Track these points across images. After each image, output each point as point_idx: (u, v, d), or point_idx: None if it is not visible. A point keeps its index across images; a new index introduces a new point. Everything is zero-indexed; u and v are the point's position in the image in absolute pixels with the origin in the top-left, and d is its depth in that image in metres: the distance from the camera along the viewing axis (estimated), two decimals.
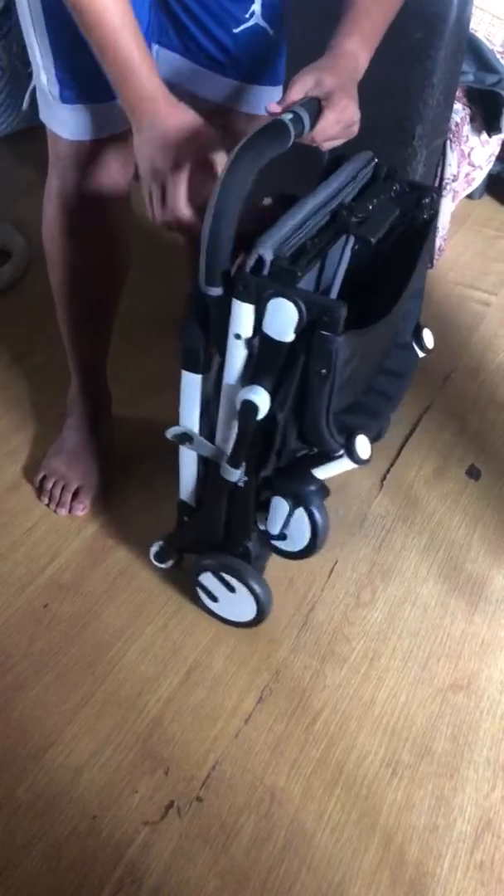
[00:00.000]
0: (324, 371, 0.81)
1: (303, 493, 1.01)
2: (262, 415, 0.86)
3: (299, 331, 0.80)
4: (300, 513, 1.04)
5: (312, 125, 0.86)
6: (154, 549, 1.17)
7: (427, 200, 0.98)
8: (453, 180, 1.87)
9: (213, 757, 1.03)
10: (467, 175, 1.95)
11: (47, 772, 1.00)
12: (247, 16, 1.04)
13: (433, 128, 1.65)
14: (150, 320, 1.67)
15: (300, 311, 0.79)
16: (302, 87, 0.88)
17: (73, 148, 1.06)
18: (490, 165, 2.10)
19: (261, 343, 0.84)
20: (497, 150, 2.05)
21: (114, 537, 1.28)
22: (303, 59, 0.91)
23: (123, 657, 1.12)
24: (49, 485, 1.32)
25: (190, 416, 0.96)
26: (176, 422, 1.00)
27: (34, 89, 1.07)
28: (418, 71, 1.54)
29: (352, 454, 0.89)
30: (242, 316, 0.83)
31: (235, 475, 0.97)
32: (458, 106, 1.79)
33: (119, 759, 1.02)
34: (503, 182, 2.32)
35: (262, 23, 1.05)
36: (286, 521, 1.03)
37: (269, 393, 0.86)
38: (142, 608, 1.18)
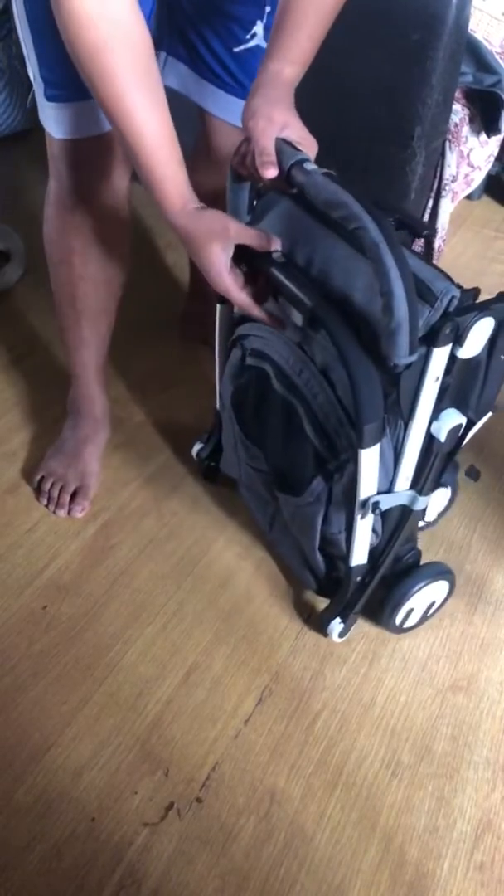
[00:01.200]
0: (503, 357, 0.89)
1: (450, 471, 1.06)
2: (462, 430, 0.93)
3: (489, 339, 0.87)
4: (442, 490, 1.15)
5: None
6: (338, 629, 1.12)
7: (420, 246, 1.05)
8: (452, 181, 1.87)
9: (212, 758, 1.03)
10: (466, 176, 1.95)
11: (47, 773, 1.00)
12: (248, 37, 1.05)
13: (432, 128, 1.65)
14: (150, 320, 1.67)
15: (496, 322, 0.85)
16: (272, 132, 0.86)
17: (64, 147, 1.05)
18: (489, 166, 2.09)
19: (458, 369, 0.89)
20: (496, 150, 2.05)
21: (113, 538, 1.28)
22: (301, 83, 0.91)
23: (123, 658, 1.12)
24: (48, 486, 1.32)
25: (372, 485, 0.95)
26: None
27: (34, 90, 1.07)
28: (417, 72, 1.54)
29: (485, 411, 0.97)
30: (442, 359, 0.86)
31: (426, 501, 1.00)
32: (457, 107, 1.79)
33: (118, 760, 1.01)
34: (502, 183, 2.31)
35: (264, 44, 1.05)
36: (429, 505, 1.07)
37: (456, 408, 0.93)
38: (141, 609, 1.18)
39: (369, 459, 0.90)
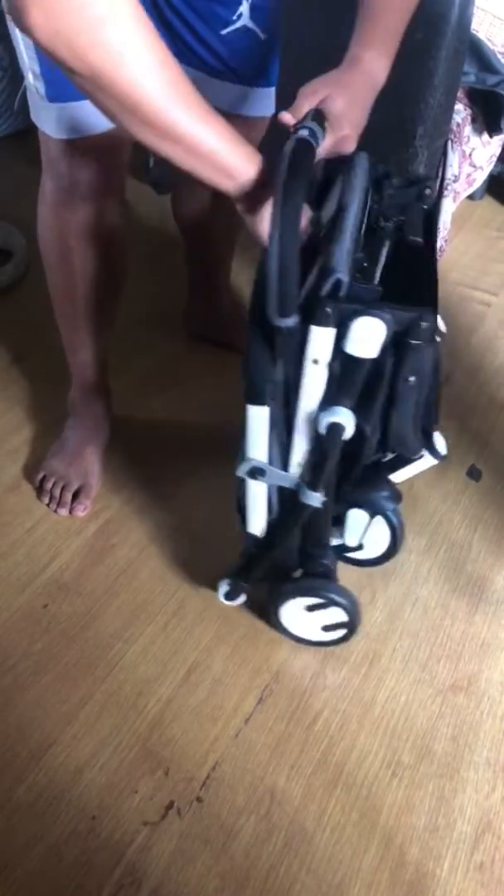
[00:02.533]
0: (412, 379, 0.82)
1: (380, 500, 1.02)
2: (348, 434, 0.86)
3: (385, 345, 0.81)
4: (378, 520, 1.04)
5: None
6: (223, 588, 1.12)
7: (428, 191, 0.96)
8: (454, 181, 1.87)
9: (213, 757, 1.03)
10: (468, 176, 1.95)
11: (47, 772, 1.00)
12: (234, 17, 1.04)
13: (434, 128, 1.64)
14: (150, 320, 1.67)
15: (388, 327, 0.79)
16: (312, 100, 0.86)
17: (64, 147, 1.05)
18: (491, 166, 2.09)
19: (342, 364, 0.83)
20: (498, 150, 2.05)
21: (114, 537, 1.28)
22: (297, 61, 0.90)
23: (123, 657, 1.12)
24: (49, 485, 1.32)
25: (260, 449, 0.94)
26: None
27: (25, 90, 1.07)
28: (420, 71, 1.54)
29: (434, 451, 0.91)
30: (322, 341, 0.82)
31: (318, 498, 0.95)
32: (459, 106, 1.79)
33: (119, 759, 1.01)
34: None
35: (251, 24, 1.05)
36: (364, 531, 1.04)
37: (352, 411, 0.86)
38: (142, 608, 1.18)
39: (253, 419, 0.90)
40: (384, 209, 0.91)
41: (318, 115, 0.85)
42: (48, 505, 1.31)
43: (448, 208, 1.93)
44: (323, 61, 0.94)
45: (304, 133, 0.81)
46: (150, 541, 1.28)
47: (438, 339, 0.83)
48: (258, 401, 0.89)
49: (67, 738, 1.03)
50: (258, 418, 0.90)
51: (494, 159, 2.07)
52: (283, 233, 0.75)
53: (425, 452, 0.92)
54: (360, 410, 0.86)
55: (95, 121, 1.02)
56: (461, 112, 1.83)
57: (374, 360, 0.82)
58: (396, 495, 1.08)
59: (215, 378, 1.59)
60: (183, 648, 1.14)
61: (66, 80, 0.98)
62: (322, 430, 0.87)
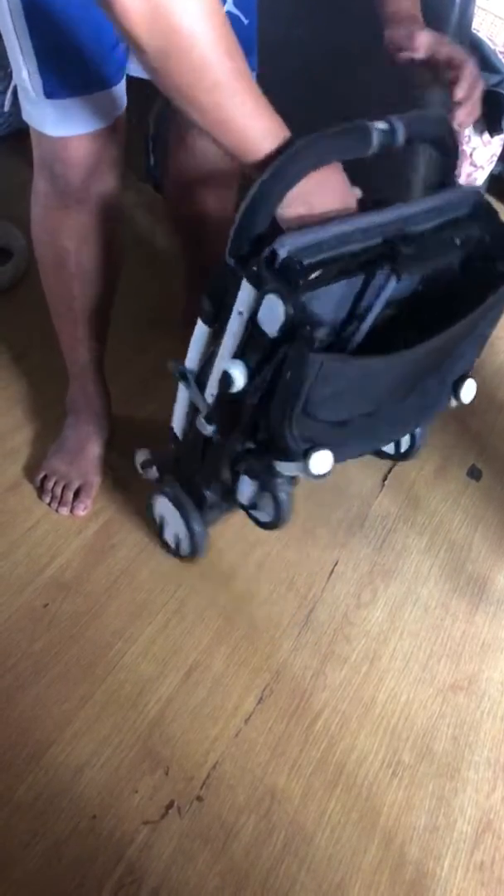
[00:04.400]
0: (290, 376, 0.82)
1: (267, 479, 1.01)
2: (236, 388, 0.88)
3: (284, 331, 0.80)
4: (266, 494, 1.04)
5: (416, 132, 0.86)
6: (140, 456, 1.18)
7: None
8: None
9: (213, 757, 1.03)
10: (469, 175, 1.95)
11: (47, 771, 1.00)
12: (222, 3, 1.04)
13: None
14: (149, 320, 1.67)
15: (287, 316, 0.79)
16: (428, 47, 0.96)
17: (58, 145, 1.04)
18: (492, 166, 2.09)
19: (253, 327, 0.84)
20: (499, 150, 2.05)
21: (114, 537, 1.28)
22: (272, 51, 0.89)
23: (124, 657, 1.12)
24: (50, 484, 1.32)
25: (193, 360, 0.98)
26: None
27: (15, 89, 1.06)
28: (420, 71, 1.54)
29: (305, 466, 0.90)
30: (247, 297, 0.83)
31: (208, 430, 0.99)
32: None
33: (119, 758, 1.01)
34: None
35: (235, 10, 1.05)
36: (253, 497, 1.04)
37: (250, 373, 0.87)
38: (142, 608, 1.18)
39: (197, 333, 0.94)
40: (413, 237, 0.88)
41: (419, 116, 0.88)
42: (49, 504, 1.31)
43: None
44: (293, 48, 0.94)
45: (378, 125, 0.82)
46: (151, 540, 1.28)
47: (321, 356, 0.80)
48: (204, 318, 0.93)
49: (68, 737, 1.03)
50: (200, 334, 0.94)
51: (495, 159, 2.07)
52: (268, 178, 0.75)
53: (300, 462, 0.91)
54: (252, 379, 0.88)
55: (91, 118, 1.02)
56: None
57: (274, 342, 0.82)
58: (292, 479, 1.05)
59: None
60: (183, 648, 1.14)
61: (63, 76, 0.98)
62: (218, 372, 0.90)
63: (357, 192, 0.89)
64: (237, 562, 1.26)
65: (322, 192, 0.84)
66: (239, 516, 1.32)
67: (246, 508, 1.08)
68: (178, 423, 1.10)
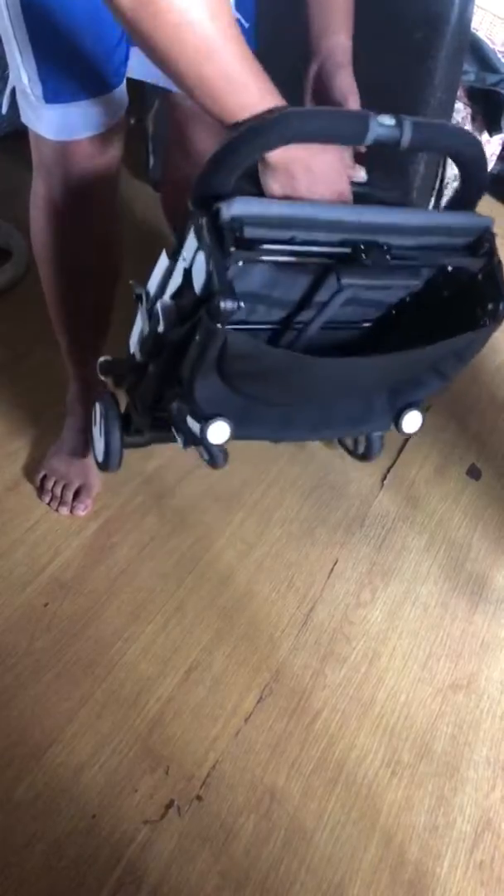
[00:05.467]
0: (198, 338, 0.78)
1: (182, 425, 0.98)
2: (159, 329, 0.85)
3: (201, 294, 0.77)
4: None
5: (427, 140, 0.82)
6: (102, 359, 1.14)
7: (491, 307, 0.87)
8: (454, 180, 1.87)
9: (213, 756, 1.03)
10: None
11: (47, 771, 1.00)
12: None
13: None
14: None
15: (209, 276, 0.75)
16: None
17: (58, 149, 1.04)
18: (491, 165, 2.09)
19: (187, 277, 0.81)
20: (498, 149, 2.05)
21: (114, 536, 1.28)
22: (269, 51, 0.89)
23: (124, 656, 1.12)
24: (50, 484, 1.32)
25: (152, 286, 0.94)
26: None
27: (13, 91, 1.06)
28: (420, 71, 1.54)
29: (202, 430, 0.87)
30: (189, 244, 0.80)
31: (138, 355, 0.96)
32: (459, 105, 1.79)
33: (119, 758, 1.02)
34: None
35: (236, 13, 1.05)
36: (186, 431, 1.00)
37: (180, 318, 0.84)
38: (142, 607, 1.18)
39: (160, 262, 0.89)
40: (379, 249, 0.82)
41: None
42: (49, 504, 1.31)
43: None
44: (289, 48, 0.94)
45: (385, 120, 0.78)
46: (151, 540, 1.28)
47: (226, 329, 0.76)
48: (168, 252, 0.88)
49: (68, 736, 1.03)
50: (161, 264, 0.90)
51: (495, 158, 2.07)
52: (244, 131, 0.71)
53: (200, 422, 0.88)
54: (182, 321, 0.84)
55: (92, 121, 1.02)
56: (461, 111, 1.83)
57: (198, 296, 0.78)
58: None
59: None
60: (183, 647, 1.14)
61: (62, 81, 0.98)
62: (157, 306, 0.87)
63: (361, 173, 0.85)
64: (237, 561, 1.26)
65: (310, 172, 0.80)
66: (235, 517, 1.33)
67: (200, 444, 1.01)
68: (133, 340, 1.05)
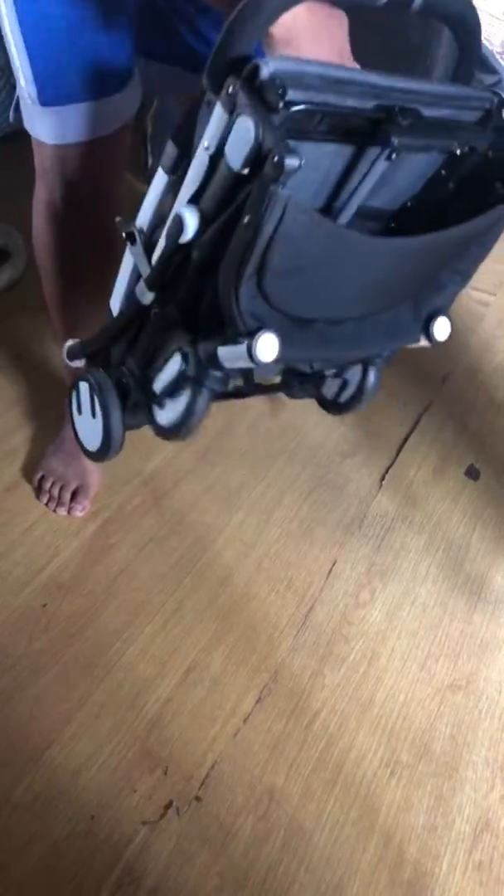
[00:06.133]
0: (247, 221, 0.71)
1: (200, 369, 0.89)
2: (186, 237, 0.77)
3: (249, 163, 0.70)
4: (186, 389, 0.92)
5: (438, 3, 0.77)
6: (69, 343, 1.07)
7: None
8: None
9: (211, 757, 1.03)
10: None
11: (46, 772, 1.00)
12: None
13: None
14: None
15: (257, 138, 0.68)
16: None
17: (57, 154, 1.03)
18: None
19: (218, 164, 0.74)
20: None
21: (113, 537, 1.28)
22: None
23: (122, 657, 1.12)
24: (48, 484, 1.32)
25: (145, 217, 0.87)
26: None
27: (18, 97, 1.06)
28: (418, 71, 1.55)
29: (250, 348, 0.79)
30: (216, 124, 0.73)
31: (147, 297, 0.88)
32: None
33: (118, 758, 1.02)
34: None
35: None
36: (171, 386, 0.93)
37: (204, 222, 0.76)
38: (141, 608, 1.18)
39: (155, 183, 0.83)
40: (413, 112, 0.78)
41: None
42: (47, 504, 1.31)
43: None
44: None
45: None
46: (149, 540, 1.28)
47: (287, 193, 0.69)
48: (166, 165, 0.82)
49: (66, 737, 1.03)
50: (158, 184, 0.83)
51: None
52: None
53: (244, 342, 0.79)
54: (208, 224, 0.77)
55: (90, 126, 1.01)
56: None
57: (237, 178, 0.72)
58: (223, 379, 0.94)
59: None
60: (182, 648, 1.14)
61: (61, 83, 0.98)
62: (169, 219, 0.79)
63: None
64: (235, 562, 1.26)
65: (315, 38, 0.76)
66: (234, 517, 1.33)
67: (152, 402, 0.96)
68: (117, 297, 1.00)
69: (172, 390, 0.93)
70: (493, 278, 2.01)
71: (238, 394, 1.00)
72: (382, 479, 1.44)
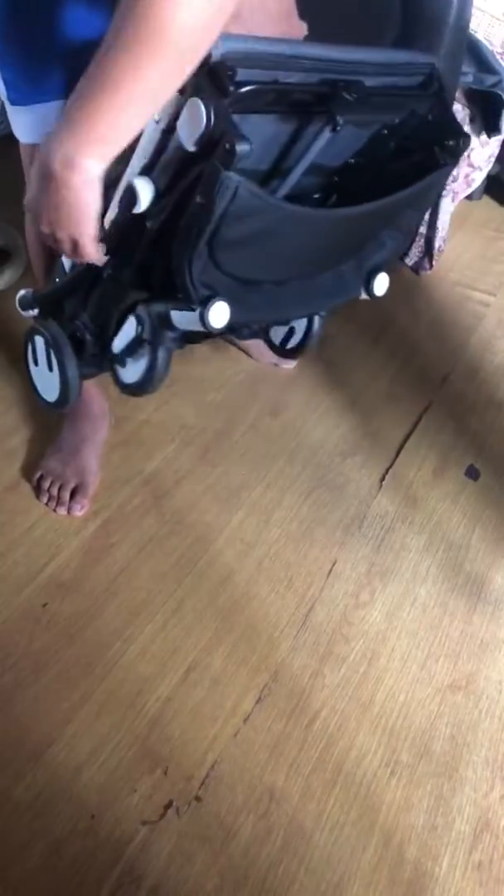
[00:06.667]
0: (200, 201, 0.72)
1: (154, 329, 0.90)
2: (140, 208, 0.78)
3: (199, 144, 0.71)
4: (145, 349, 0.93)
5: None
6: (21, 292, 1.07)
7: (451, 143, 0.85)
8: (453, 181, 1.88)
9: (211, 756, 1.03)
10: (467, 176, 1.95)
11: (46, 771, 1.00)
12: None
13: None
14: None
15: (208, 124, 0.69)
16: None
17: (31, 152, 1.02)
18: (489, 166, 2.09)
19: (168, 139, 0.75)
20: (496, 151, 2.05)
21: (113, 536, 1.28)
22: None
23: (123, 656, 1.12)
24: (47, 484, 1.32)
25: (136, 169, 0.83)
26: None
27: None
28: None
29: (202, 315, 0.80)
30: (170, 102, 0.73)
31: (99, 259, 0.88)
32: (457, 107, 1.80)
33: (118, 758, 1.02)
34: (502, 183, 2.32)
35: None
36: (129, 347, 0.93)
37: (156, 194, 0.78)
38: (141, 607, 1.18)
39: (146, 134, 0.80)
40: (358, 86, 0.78)
41: None
42: (47, 504, 1.31)
43: (447, 208, 1.93)
44: None
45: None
46: (150, 540, 1.28)
47: (238, 178, 0.70)
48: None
49: (67, 736, 1.03)
50: (148, 132, 0.80)
51: (493, 159, 2.08)
52: None
53: (197, 309, 0.81)
54: (157, 201, 0.78)
55: None
56: (459, 112, 1.83)
57: (188, 156, 0.73)
58: (179, 341, 0.97)
59: (213, 376, 1.60)
60: (182, 648, 1.14)
61: (31, 83, 0.96)
62: (121, 188, 0.80)
63: (303, 27, 0.82)
64: (235, 562, 1.26)
65: (262, 6, 0.77)
66: (234, 518, 1.33)
67: (114, 362, 0.96)
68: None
69: (131, 351, 0.93)
70: (494, 279, 2.01)
71: (191, 340, 1.01)
72: (382, 479, 1.44)
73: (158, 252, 0.82)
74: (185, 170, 0.75)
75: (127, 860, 0.93)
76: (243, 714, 1.07)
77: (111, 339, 0.95)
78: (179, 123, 0.72)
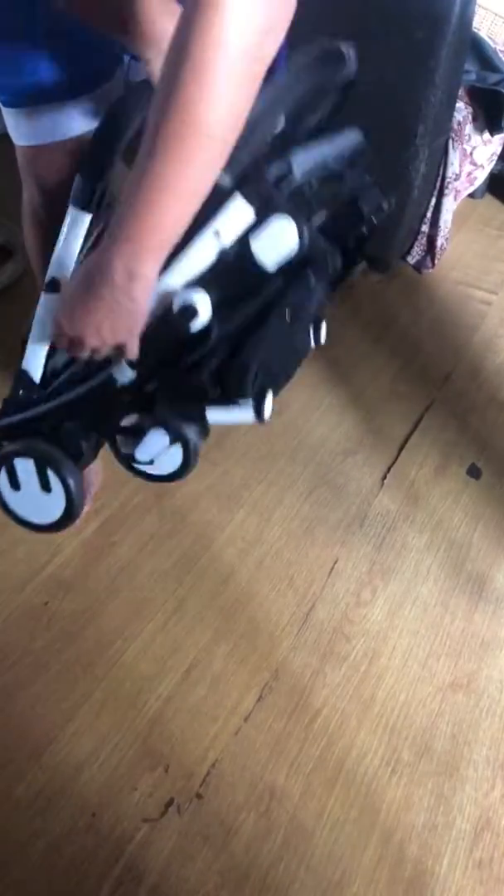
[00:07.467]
0: (288, 314, 0.74)
1: (186, 432, 0.90)
2: (198, 325, 0.77)
3: (284, 264, 0.71)
4: (176, 447, 0.93)
5: None
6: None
7: (366, 208, 0.85)
8: (455, 179, 1.87)
9: (212, 755, 1.03)
10: (469, 174, 1.95)
11: (47, 769, 1.00)
12: None
13: (435, 127, 1.65)
14: None
15: (301, 244, 0.69)
16: None
17: (29, 154, 1.02)
18: (492, 164, 2.09)
19: (239, 256, 0.74)
20: (499, 149, 2.05)
21: (114, 535, 1.28)
22: None
23: (123, 655, 1.12)
24: None
25: (69, 261, 0.84)
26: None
27: None
28: (421, 70, 1.54)
29: (259, 412, 0.82)
30: (239, 217, 0.72)
31: (127, 376, 0.85)
32: (460, 105, 1.79)
33: (119, 756, 1.02)
34: None
35: None
36: (159, 453, 0.94)
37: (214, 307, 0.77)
38: (142, 606, 1.19)
39: (70, 220, 0.84)
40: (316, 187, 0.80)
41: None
42: None
43: (449, 207, 1.93)
44: None
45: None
46: (151, 539, 1.28)
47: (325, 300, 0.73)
48: (79, 200, 0.84)
49: (67, 735, 1.03)
50: (75, 222, 0.84)
51: (495, 157, 2.07)
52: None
53: (249, 406, 0.81)
54: (219, 311, 0.77)
55: (61, 125, 0.99)
56: (462, 110, 1.83)
57: (261, 274, 0.73)
58: (204, 430, 0.96)
59: None
60: (183, 646, 1.14)
61: (20, 85, 0.95)
62: (175, 307, 0.77)
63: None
64: (236, 561, 1.26)
65: None
66: (235, 516, 1.33)
67: (137, 462, 0.94)
68: (34, 361, 0.93)
69: (159, 454, 0.93)
70: (496, 277, 2.01)
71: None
72: (384, 478, 1.44)
73: (194, 360, 0.80)
74: (255, 287, 0.74)
75: (128, 858, 0.93)
76: (244, 712, 1.07)
77: (131, 451, 0.94)
78: (258, 245, 0.72)
